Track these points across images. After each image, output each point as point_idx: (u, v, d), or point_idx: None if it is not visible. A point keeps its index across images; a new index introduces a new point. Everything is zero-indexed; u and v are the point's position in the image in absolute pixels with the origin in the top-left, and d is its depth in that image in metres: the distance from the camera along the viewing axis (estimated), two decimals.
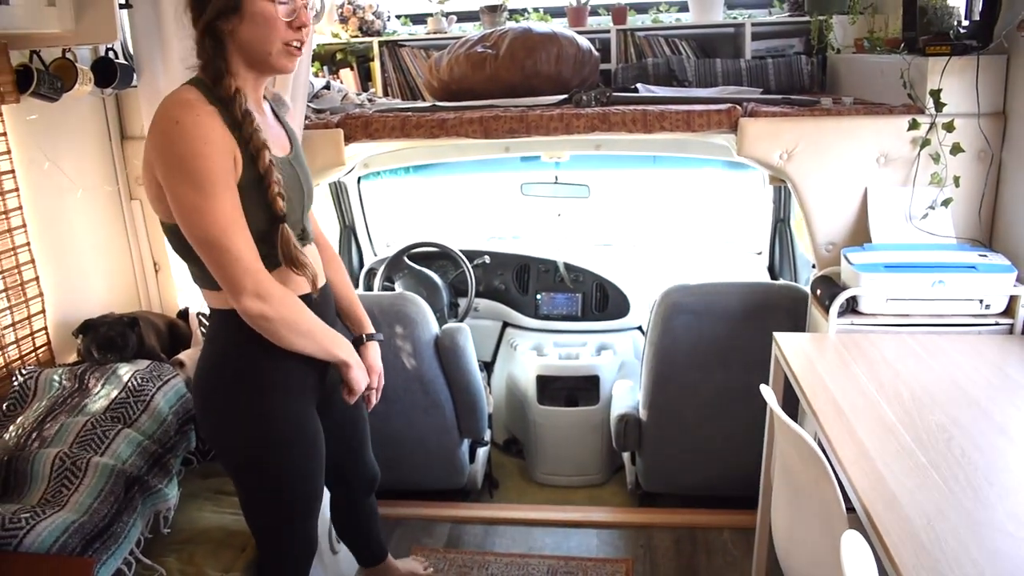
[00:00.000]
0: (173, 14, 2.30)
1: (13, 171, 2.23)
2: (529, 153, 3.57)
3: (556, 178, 3.60)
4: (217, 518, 2.02)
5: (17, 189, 2.24)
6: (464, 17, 3.40)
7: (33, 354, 2.32)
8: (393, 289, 3.34)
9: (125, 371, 2.19)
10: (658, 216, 6.09)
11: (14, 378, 2.17)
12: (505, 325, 3.64)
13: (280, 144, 1.66)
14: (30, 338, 2.31)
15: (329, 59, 3.39)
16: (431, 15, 3.34)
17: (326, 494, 2.13)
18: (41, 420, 2.01)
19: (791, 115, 2.29)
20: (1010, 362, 1.87)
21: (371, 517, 2.22)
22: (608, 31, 3.18)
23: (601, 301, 3.51)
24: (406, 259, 3.42)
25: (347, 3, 3.32)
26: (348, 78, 3.29)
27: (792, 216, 3.43)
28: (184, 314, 2.63)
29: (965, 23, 2.23)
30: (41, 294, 2.33)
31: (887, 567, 1.22)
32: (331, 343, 1.66)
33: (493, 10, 3.24)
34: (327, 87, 2.93)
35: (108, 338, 2.28)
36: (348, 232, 3.85)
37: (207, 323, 2.37)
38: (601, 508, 2.93)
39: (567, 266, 3.55)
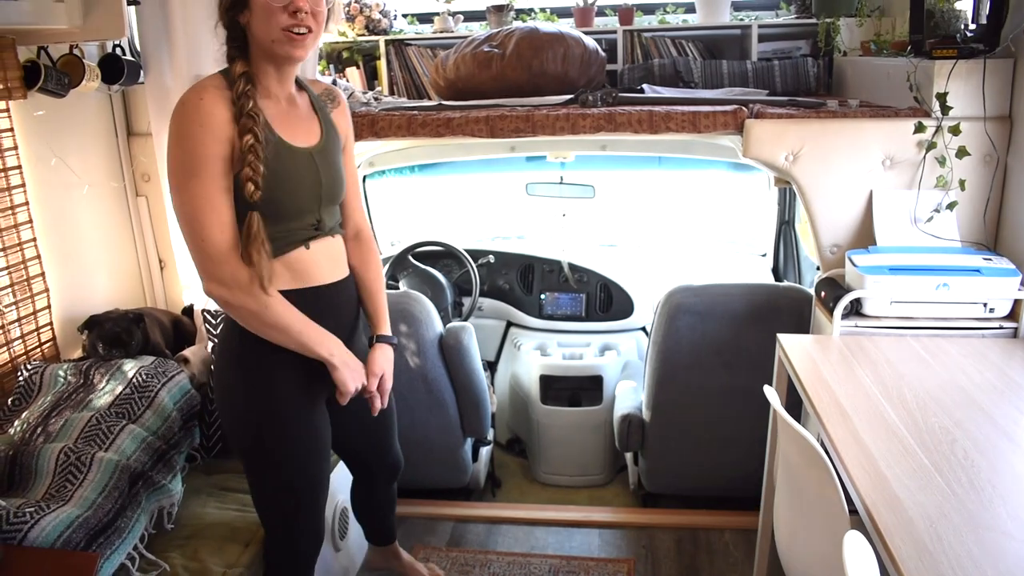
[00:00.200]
0: (180, 11, 2.31)
1: (20, 167, 2.24)
2: (534, 153, 3.58)
3: (561, 178, 3.59)
4: (221, 514, 2.03)
5: (24, 185, 2.25)
6: (470, 16, 3.41)
7: (38, 349, 2.33)
8: (398, 288, 3.35)
9: (130, 367, 2.20)
10: (663, 217, 6.08)
11: (19, 373, 2.18)
12: (509, 325, 3.64)
13: (304, 135, 1.67)
14: (35, 333, 2.32)
15: (335, 58, 3.39)
16: (437, 14, 3.35)
17: (348, 477, 2.20)
18: (46, 415, 2.02)
19: (797, 117, 2.29)
20: (1013, 365, 1.87)
21: (389, 503, 2.26)
22: (614, 32, 3.18)
23: (605, 301, 3.51)
24: (411, 258, 3.43)
25: (354, 2, 3.33)
26: (354, 77, 3.30)
27: (797, 218, 3.43)
28: (189, 311, 2.64)
29: (972, 26, 2.22)
30: (47, 289, 2.34)
31: (889, 569, 1.22)
32: (311, 340, 1.64)
33: (500, 10, 3.25)
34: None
35: (113, 334, 2.29)
36: None
37: (212, 320, 2.39)
38: (603, 508, 2.93)
39: (571, 266, 3.56)
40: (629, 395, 2.89)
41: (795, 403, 1.97)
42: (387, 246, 4.03)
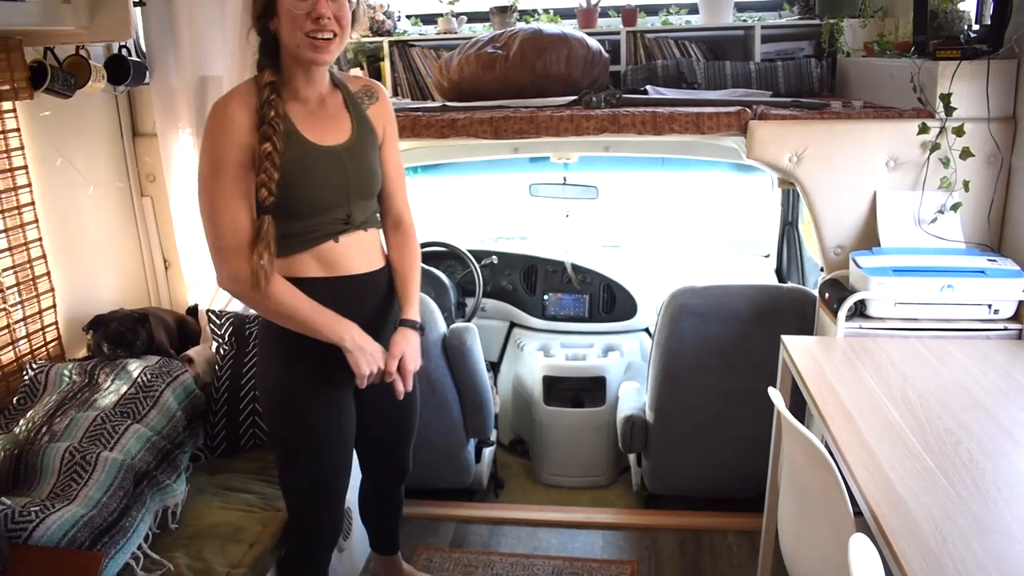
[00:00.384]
0: (186, 13, 2.32)
1: (26, 167, 2.25)
2: (538, 154, 3.57)
3: (564, 179, 3.60)
4: (225, 514, 2.03)
5: (30, 184, 2.26)
6: (474, 18, 3.41)
7: (44, 348, 2.34)
8: None
9: (135, 367, 2.20)
10: (666, 218, 6.08)
11: (25, 372, 2.19)
12: (512, 325, 3.64)
13: (332, 134, 1.72)
14: (41, 332, 2.32)
15: (339, 58, 3.40)
16: (441, 15, 3.35)
17: (356, 476, 2.19)
18: (51, 414, 2.03)
19: (801, 118, 2.29)
20: (1018, 367, 1.87)
21: (394, 507, 2.27)
22: (618, 33, 3.18)
23: (608, 302, 3.52)
24: None
25: (358, 3, 3.33)
26: None
27: (800, 219, 3.43)
28: (193, 311, 2.64)
29: (976, 27, 2.23)
30: (52, 289, 2.34)
31: (894, 570, 1.22)
32: (321, 325, 1.68)
33: (503, 11, 3.25)
34: None
35: (118, 334, 2.30)
36: None
37: (216, 320, 2.39)
38: (606, 509, 2.93)
39: (575, 267, 3.56)
40: (632, 396, 2.89)
41: (799, 404, 1.97)
42: None
